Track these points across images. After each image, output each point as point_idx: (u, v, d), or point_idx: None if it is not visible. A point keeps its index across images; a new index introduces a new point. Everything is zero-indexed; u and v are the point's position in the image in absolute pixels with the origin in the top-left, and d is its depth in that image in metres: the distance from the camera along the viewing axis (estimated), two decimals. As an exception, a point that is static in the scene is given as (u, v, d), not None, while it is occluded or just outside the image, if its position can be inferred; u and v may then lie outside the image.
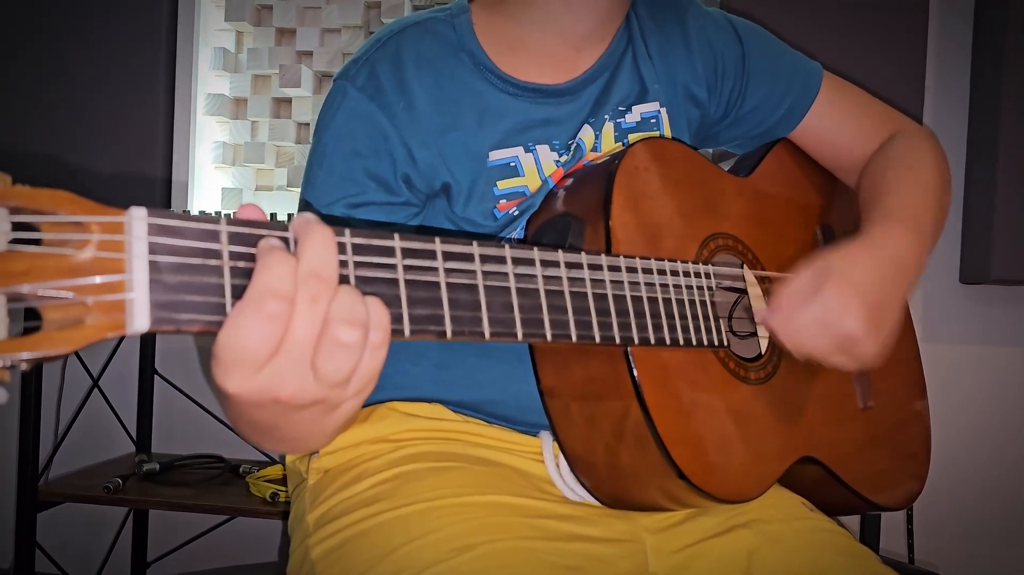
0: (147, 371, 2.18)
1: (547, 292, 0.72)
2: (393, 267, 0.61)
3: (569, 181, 0.95)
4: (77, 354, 2.10)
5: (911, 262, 0.94)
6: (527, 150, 0.98)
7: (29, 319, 0.46)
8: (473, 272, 0.66)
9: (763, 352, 0.98)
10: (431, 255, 0.64)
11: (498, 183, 0.96)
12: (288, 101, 2.20)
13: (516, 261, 0.70)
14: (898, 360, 1.16)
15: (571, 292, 0.74)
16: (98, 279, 0.47)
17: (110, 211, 0.49)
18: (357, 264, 0.59)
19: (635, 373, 0.81)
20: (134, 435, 2.18)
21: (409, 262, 0.62)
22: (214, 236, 0.52)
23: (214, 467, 2.01)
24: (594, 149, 1.00)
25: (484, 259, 0.68)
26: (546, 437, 0.94)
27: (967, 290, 2.05)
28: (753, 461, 0.90)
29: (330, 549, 0.87)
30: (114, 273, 0.48)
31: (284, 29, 2.20)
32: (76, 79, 2.13)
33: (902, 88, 1.88)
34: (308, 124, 2.18)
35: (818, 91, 1.12)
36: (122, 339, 2.13)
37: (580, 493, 0.91)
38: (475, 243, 0.67)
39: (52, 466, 2.07)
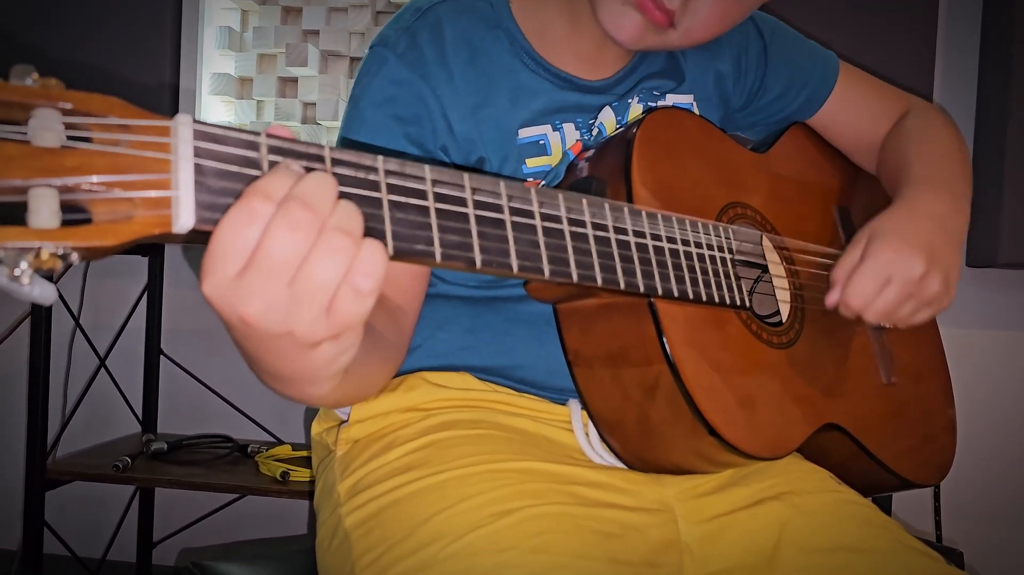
0: (153, 351, 2.18)
1: (572, 234, 0.73)
2: (424, 194, 0.62)
3: (590, 151, 0.97)
4: (84, 333, 2.11)
5: (949, 214, 0.99)
6: (555, 128, 0.99)
7: (79, 214, 0.47)
8: (500, 207, 0.67)
9: (784, 320, 0.99)
10: (460, 186, 0.65)
11: (527, 161, 0.98)
12: (294, 80, 2.20)
13: (542, 202, 0.71)
14: (919, 341, 1.18)
15: (595, 236, 0.75)
16: (146, 176, 0.48)
17: (157, 116, 0.50)
18: (390, 187, 0.60)
19: (661, 325, 0.81)
20: (140, 415, 2.19)
21: (439, 190, 0.63)
22: (254, 147, 0.53)
23: (222, 446, 2.01)
24: (617, 128, 1.02)
25: (511, 196, 0.69)
26: (574, 405, 0.94)
27: (975, 274, 2.06)
28: (779, 420, 0.91)
29: (364, 518, 0.86)
30: (161, 172, 0.49)
31: (290, 7, 2.20)
32: (79, 61, 2.14)
33: (911, 74, 1.90)
34: (314, 103, 2.18)
35: (836, 80, 1.16)
36: (127, 320, 2.14)
37: (608, 459, 0.91)
38: (502, 181, 0.69)
39: (59, 445, 2.08)
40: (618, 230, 0.77)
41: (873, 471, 1.06)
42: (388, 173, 0.60)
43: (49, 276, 0.46)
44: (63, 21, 2.15)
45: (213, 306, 0.52)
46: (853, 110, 1.18)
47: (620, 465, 0.91)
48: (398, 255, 0.59)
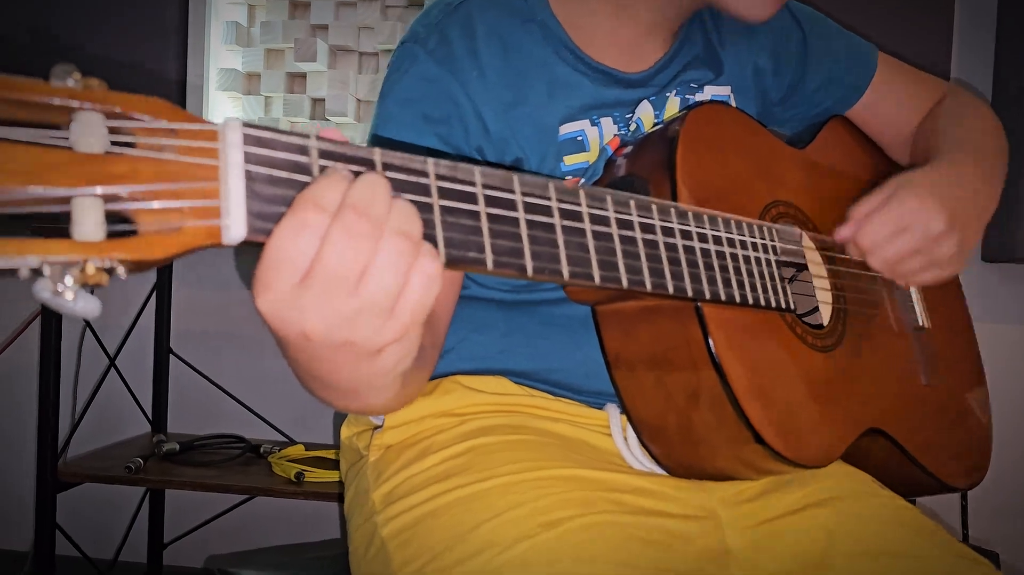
0: (162, 350, 2.15)
1: (621, 237, 0.70)
2: (474, 197, 0.59)
3: (629, 147, 0.94)
4: (94, 333, 2.08)
5: (982, 189, 0.99)
6: (592, 123, 0.96)
7: (125, 225, 0.44)
8: (550, 209, 0.64)
9: (825, 323, 0.96)
10: (510, 189, 0.62)
11: (565, 159, 0.95)
12: (302, 76, 2.17)
13: (591, 203, 0.68)
14: (957, 342, 1.16)
15: (644, 239, 0.72)
16: (194, 184, 0.45)
17: (203, 120, 0.47)
18: (441, 191, 0.57)
19: (708, 330, 0.79)
20: (150, 415, 2.16)
21: (490, 193, 0.60)
22: (304, 151, 0.50)
23: (235, 447, 1.99)
24: (656, 124, 0.99)
25: (561, 198, 0.66)
26: (612, 409, 0.91)
27: (990, 268, 2.03)
28: (824, 426, 0.89)
29: (402, 527, 0.84)
30: (209, 180, 0.46)
31: (298, 2, 2.16)
32: (86, 55, 2.11)
33: (926, 68, 1.88)
34: (323, 100, 2.15)
35: (875, 71, 1.13)
36: (137, 318, 2.11)
37: (648, 465, 0.89)
38: (551, 183, 0.66)
39: (70, 446, 2.05)
40: (665, 231, 0.74)
41: (913, 474, 1.03)
42: (439, 177, 0.57)
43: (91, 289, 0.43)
44: (69, 15, 2.12)
45: (269, 323, 0.49)
46: (893, 101, 1.15)
47: (660, 471, 0.89)
48: (450, 263, 0.56)
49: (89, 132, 0.43)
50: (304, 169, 0.50)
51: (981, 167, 1.02)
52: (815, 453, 0.86)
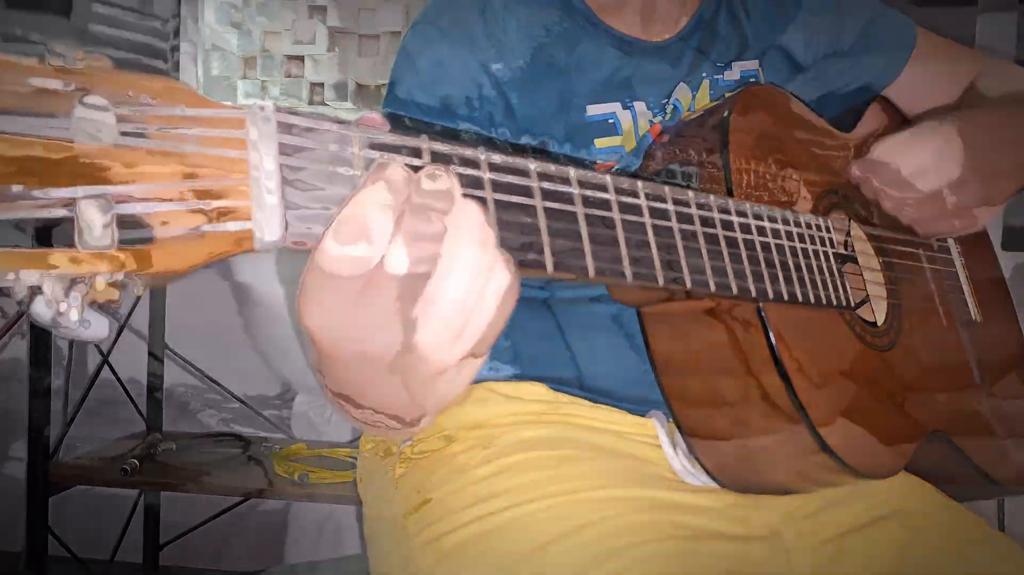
0: (158, 346, 2.07)
1: (681, 232, 0.63)
2: (530, 191, 0.52)
3: (671, 135, 0.87)
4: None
5: (1018, 142, 0.92)
6: (624, 106, 0.90)
7: (139, 230, 0.37)
8: (608, 202, 0.57)
9: (880, 321, 0.90)
10: (566, 180, 0.55)
11: (596, 141, 0.89)
12: (300, 59, 2.08)
13: (649, 195, 0.61)
14: (1007, 335, 1.10)
15: (704, 234, 0.65)
16: (220, 182, 0.38)
17: (228, 106, 0.40)
18: (494, 185, 0.50)
19: (771, 332, 0.72)
20: (145, 413, 2.08)
21: (546, 186, 0.53)
22: (346, 141, 0.43)
23: (233, 446, 1.92)
24: (690, 109, 0.93)
25: (619, 190, 0.59)
26: (659, 418, 0.85)
27: (1010, 257, 1.98)
28: (891, 433, 0.83)
29: (444, 553, 0.77)
30: (237, 175, 0.39)
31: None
32: (71, 34, 2.03)
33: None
34: (322, 84, 2.06)
35: (915, 43, 1.08)
36: (131, 313, 2.03)
37: (703, 479, 0.82)
38: (608, 175, 0.59)
39: (63, 445, 1.97)
40: (725, 226, 0.68)
41: (969, 476, 0.97)
42: (491, 167, 0.50)
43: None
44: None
45: (318, 342, 0.42)
46: (933, 74, 1.09)
47: (713, 484, 0.82)
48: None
49: (95, 121, 0.35)
50: (346, 162, 0.43)
51: (1021, 125, 0.95)
52: (884, 462, 0.80)
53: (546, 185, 0.53)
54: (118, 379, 2.05)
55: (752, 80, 0.97)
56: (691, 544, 0.75)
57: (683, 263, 0.62)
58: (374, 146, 0.44)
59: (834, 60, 1.05)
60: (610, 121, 0.89)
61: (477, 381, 0.87)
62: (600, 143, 0.89)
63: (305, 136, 0.41)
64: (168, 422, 2.11)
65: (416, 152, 0.46)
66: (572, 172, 0.55)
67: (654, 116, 0.91)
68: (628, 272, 0.57)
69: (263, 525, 2.13)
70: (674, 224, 0.62)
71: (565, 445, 0.83)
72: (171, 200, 0.37)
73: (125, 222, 0.36)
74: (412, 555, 0.80)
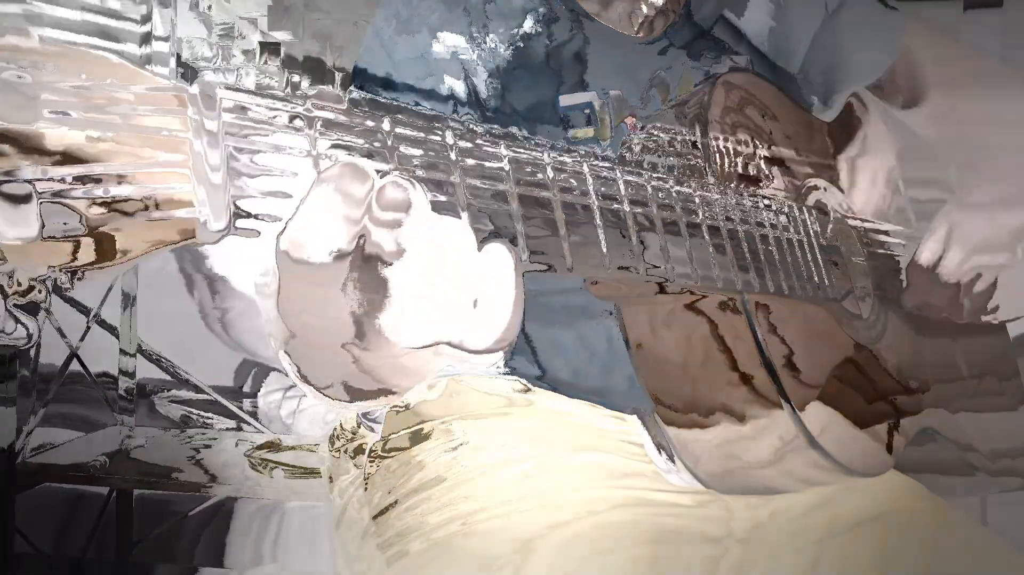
0: (128, 341, 2.03)
1: (664, 223, 0.61)
2: (501, 177, 0.49)
3: (648, 125, 0.84)
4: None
5: None
6: (601, 96, 0.87)
7: (67, 219, 0.33)
8: (587, 192, 0.55)
9: (867, 314, 0.88)
10: (581, 177, 0.52)
11: (571, 132, 0.86)
12: (276, 46, 2.03)
13: (630, 186, 0.59)
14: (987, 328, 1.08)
15: (687, 223, 0.63)
16: (159, 166, 0.34)
17: (166, 81, 0.36)
18: (465, 171, 0.47)
19: (756, 326, 0.70)
20: (116, 406, 2.03)
21: (519, 173, 0.50)
22: (299, 120, 0.40)
23: (207, 440, 1.88)
24: (670, 100, 0.90)
25: (596, 175, 0.56)
26: (643, 421, 0.82)
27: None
28: (880, 431, 0.81)
29: (414, 558, 0.75)
30: (178, 158, 0.35)
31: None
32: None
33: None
34: (298, 72, 2.02)
35: (904, 34, 1.04)
36: (103, 302, 1.98)
37: (685, 478, 0.79)
38: (585, 162, 0.56)
39: (31, 439, 1.92)
40: (709, 217, 0.65)
41: (956, 467, 0.96)
42: (461, 152, 0.47)
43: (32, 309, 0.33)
44: None
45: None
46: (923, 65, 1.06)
47: (696, 484, 0.79)
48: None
49: (9, 96, 0.32)
50: (298, 143, 0.39)
51: None
52: (874, 459, 0.78)
53: (521, 172, 0.50)
54: (87, 373, 2.00)
55: (735, 68, 0.94)
56: (671, 547, 0.74)
57: (666, 255, 0.59)
58: (327, 125, 0.40)
59: (820, 51, 1.01)
60: (585, 111, 0.86)
61: (452, 375, 0.84)
62: (575, 134, 0.86)
63: (253, 115, 0.37)
64: (140, 417, 2.06)
65: (373, 133, 0.43)
66: (586, 167, 0.53)
67: (631, 106, 0.88)
68: (609, 262, 0.54)
69: (237, 522, 2.09)
70: (655, 214, 0.60)
71: (541, 442, 0.80)
72: (102, 184, 0.33)
73: (51, 210, 0.32)
74: (380, 559, 0.77)
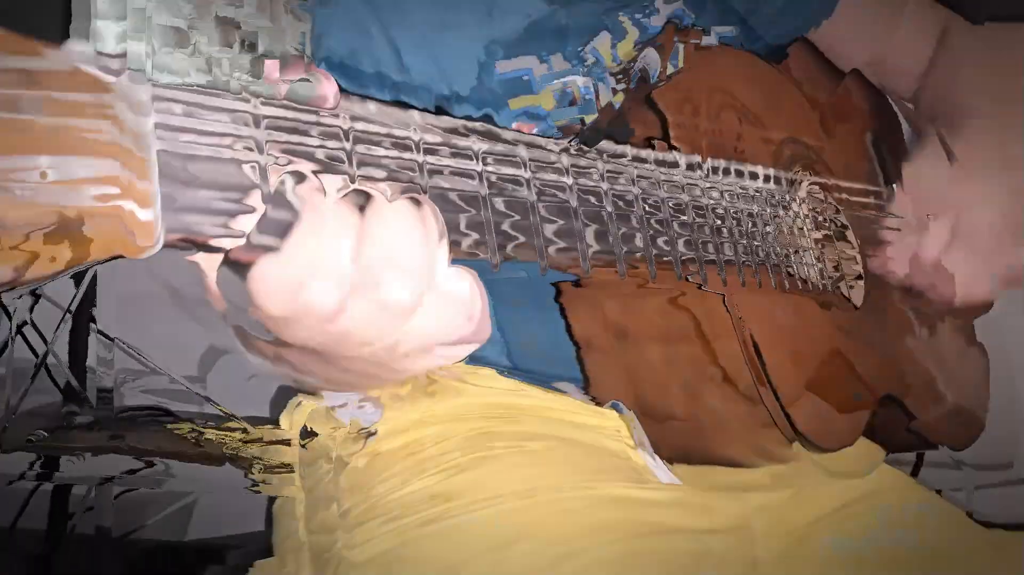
0: (82, 315, 1.97)
1: (615, 197, 0.60)
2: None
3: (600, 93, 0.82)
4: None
5: None
6: (541, 60, 0.82)
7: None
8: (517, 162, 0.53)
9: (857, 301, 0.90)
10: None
11: (510, 102, 0.81)
12: (235, 26, 1.97)
13: (573, 157, 0.57)
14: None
15: (642, 197, 0.62)
16: (76, 167, 0.31)
17: (86, 71, 0.33)
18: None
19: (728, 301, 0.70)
20: (63, 387, 1.98)
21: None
22: (253, 121, 0.37)
23: (162, 419, 1.85)
24: (613, 59, 0.86)
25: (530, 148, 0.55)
26: (627, 414, 0.80)
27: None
28: (848, 402, 0.81)
29: (382, 553, 0.74)
30: (105, 157, 0.32)
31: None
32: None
33: None
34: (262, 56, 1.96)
35: None
36: (51, 279, 1.93)
37: (670, 475, 0.78)
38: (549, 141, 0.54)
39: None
40: (669, 187, 0.65)
41: (910, 440, 0.97)
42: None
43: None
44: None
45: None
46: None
47: (678, 482, 0.78)
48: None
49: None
50: (240, 141, 0.36)
51: None
52: (840, 435, 0.79)
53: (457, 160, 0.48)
54: (33, 351, 1.95)
55: (677, 20, 0.89)
56: (653, 541, 0.73)
57: (614, 231, 0.58)
58: (271, 119, 0.37)
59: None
60: (525, 78, 0.81)
61: (427, 370, 0.82)
62: (514, 104, 0.81)
63: (192, 110, 0.34)
64: (92, 399, 2.02)
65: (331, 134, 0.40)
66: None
67: (572, 67, 0.83)
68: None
69: (178, 497, 2.06)
70: (602, 186, 0.58)
71: (520, 438, 0.78)
72: (7, 189, 0.30)
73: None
74: (350, 557, 0.75)
